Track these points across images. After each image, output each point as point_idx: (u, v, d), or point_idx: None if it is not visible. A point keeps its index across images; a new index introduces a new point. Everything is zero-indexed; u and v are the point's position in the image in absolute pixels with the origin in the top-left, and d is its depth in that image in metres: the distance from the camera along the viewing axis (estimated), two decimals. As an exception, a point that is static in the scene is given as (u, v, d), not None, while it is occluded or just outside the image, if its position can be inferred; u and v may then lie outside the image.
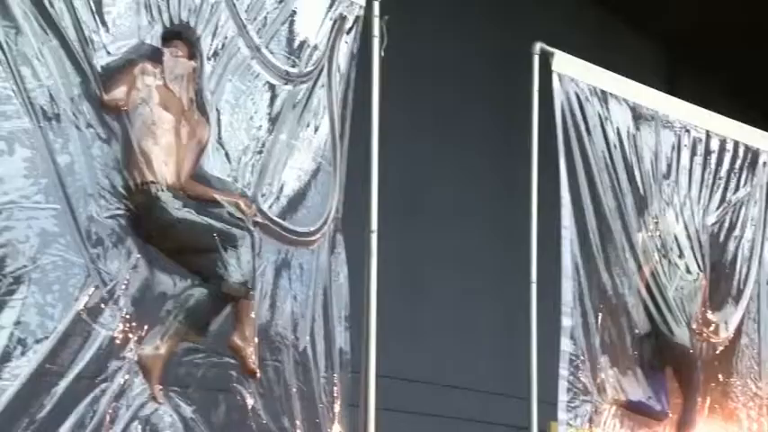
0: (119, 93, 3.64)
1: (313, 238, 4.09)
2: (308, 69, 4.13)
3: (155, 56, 3.74)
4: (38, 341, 3.37)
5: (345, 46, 4.23)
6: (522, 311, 4.82)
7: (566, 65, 4.99)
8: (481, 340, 7.47)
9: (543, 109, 4.89)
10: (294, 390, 3.96)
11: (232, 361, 3.82)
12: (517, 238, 5.04)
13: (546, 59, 4.93)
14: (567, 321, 4.84)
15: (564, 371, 4.83)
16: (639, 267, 5.21)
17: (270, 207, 3.99)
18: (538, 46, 4.92)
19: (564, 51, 4.98)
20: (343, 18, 4.23)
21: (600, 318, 5.00)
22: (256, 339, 3.86)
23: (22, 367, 3.33)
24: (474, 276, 7.49)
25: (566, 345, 4.82)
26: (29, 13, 3.43)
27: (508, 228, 6.53)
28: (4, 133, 3.37)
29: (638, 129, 5.27)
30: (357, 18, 4.26)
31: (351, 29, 4.25)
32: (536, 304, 4.76)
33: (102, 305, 3.53)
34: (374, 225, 4.21)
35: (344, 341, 4.10)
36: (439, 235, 7.32)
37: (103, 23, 3.60)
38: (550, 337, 4.86)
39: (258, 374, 3.85)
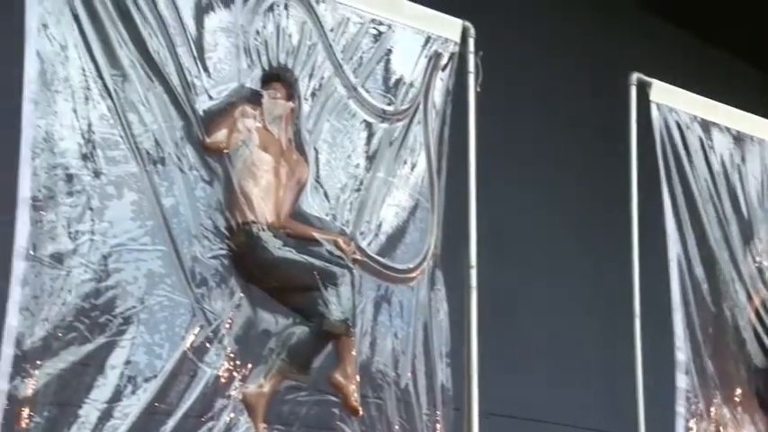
0: (220, 135, 3.72)
1: (412, 274, 4.09)
2: (405, 107, 4.15)
3: (254, 98, 3.82)
4: (147, 380, 3.45)
5: (441, 83, 4.24)
6: (624, 346, 4.71)
7: (664, 94, 4.91)
8: (583, 375, 7.33)
9: (639, 139, 4.81)
10: (397, 427, 3.95)
11: (334, 398, 3.84)
12: (617, 270, 4.94)
13: (643, 89, 4.86)
14: (681, 356, 4.69)
15: (681, 408, 4.69)
16: (749, 298, 5.06)
17: (369, 244, 4.01)
18: (635, 76, 4.85)
19: (661, 81, 4.91)
20: (438, 55, 4.25)
21: (711, 352, 4.85)
22: (358, 377, 3.87)
23: (133, 406, 3.41)
24: (574, 310, 7.37)
25: (681, 381, 4.68)
26: (135, 62, 3.55)
27: (607, 260, 6.42)
28: (113, 178, 3.48)
29: (741, 156, 5.14)
30: (452, 55, 4.27)
31: (446, 66, 4.26)
32: (640, 338, 4.66)
33: (208, 344, 3.59)
34: (473, 261, 4.19)
35: (446, 377, 4.07)
36: (536, 269, 7.24)
37: (205, 69, 3.69)
38: (654, 372, 4.74)
39: (361, 412, 3.86)
